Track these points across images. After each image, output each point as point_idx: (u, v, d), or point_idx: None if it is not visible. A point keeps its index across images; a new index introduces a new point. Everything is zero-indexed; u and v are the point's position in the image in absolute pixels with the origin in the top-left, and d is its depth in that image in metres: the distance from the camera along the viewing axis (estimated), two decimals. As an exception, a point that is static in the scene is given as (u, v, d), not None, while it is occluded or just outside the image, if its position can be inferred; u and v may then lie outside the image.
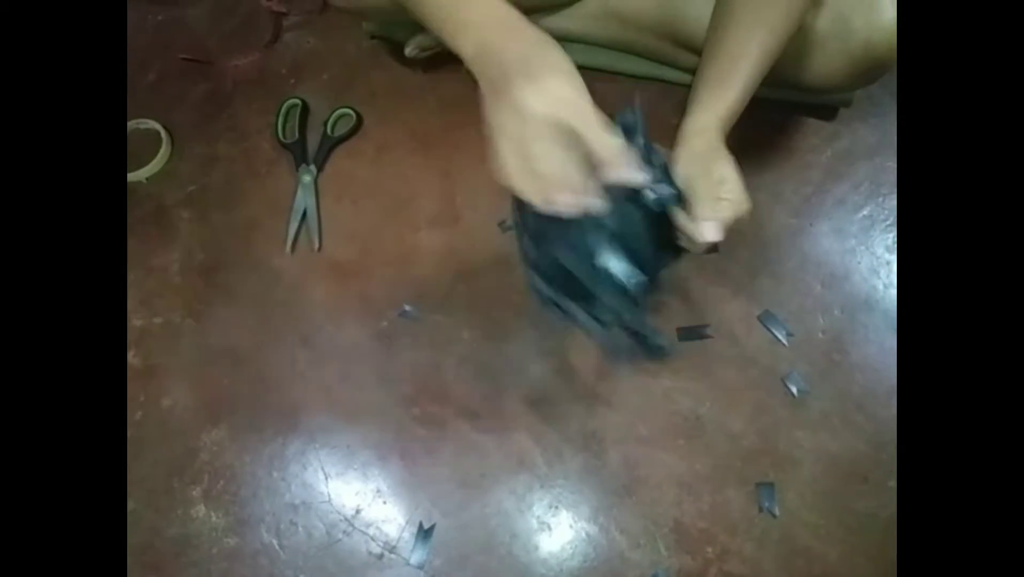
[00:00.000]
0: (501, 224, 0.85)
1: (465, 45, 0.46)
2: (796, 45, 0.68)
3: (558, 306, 0.58)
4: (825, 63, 0.68)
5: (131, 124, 0.95)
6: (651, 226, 0.54)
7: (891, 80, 0.71)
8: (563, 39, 0.88)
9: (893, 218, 0.82)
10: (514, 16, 0.46)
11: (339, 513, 0.74)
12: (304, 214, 0.88)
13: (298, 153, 0.91)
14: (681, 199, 0.55)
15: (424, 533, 0.72)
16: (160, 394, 0.80)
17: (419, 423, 0.76)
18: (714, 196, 0.54)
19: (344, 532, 0.73)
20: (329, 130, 0.93)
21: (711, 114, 0.58)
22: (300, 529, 0.73)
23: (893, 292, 0.78)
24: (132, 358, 0.82)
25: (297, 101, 0.94)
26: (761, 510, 0.70)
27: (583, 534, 0.71)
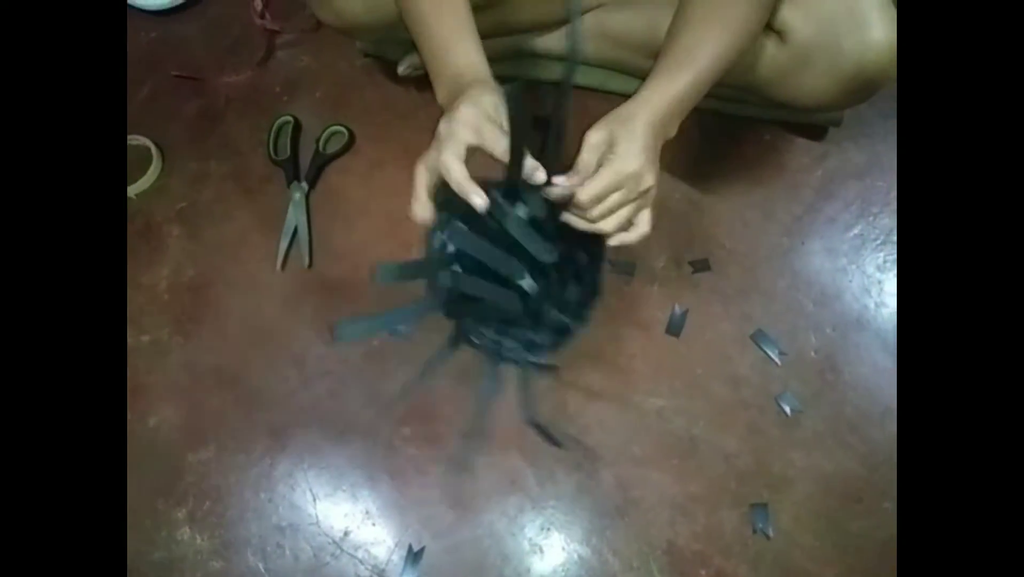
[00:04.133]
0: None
1: (438, 89, 0.59)
2: (786, 64, 0.68)
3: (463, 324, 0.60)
4: (815, 82, 0.68)
5: (122, 140, 0.95)
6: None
7: (880, 100, 0.72)
8: (556, 58, 0.90)
9: (884, 237, 0.83)
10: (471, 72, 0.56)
11: (327, 535, 0.72)
12: (295, 231, 0.87)
13: (290, 170, 0.91)
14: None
15: (414, 556, 0.70)
16: (147, 413, 0.79)
17: (409, 443, 0.76)
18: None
19: (332, 555, 0.72)
20: (321, 147, 0.92)
21: (643, 104, 0.56)
22: (287, 552, 0.72)
23: (885, 311, 0.78)
24: (118, 377, 0.81)
25: (289, 118, 0.94)
26: (755, 531, 0.70)
27: (575, 556, 0.70)
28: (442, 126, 0.54)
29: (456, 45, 0.58)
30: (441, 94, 0.59)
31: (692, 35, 0.59)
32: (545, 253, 0.54)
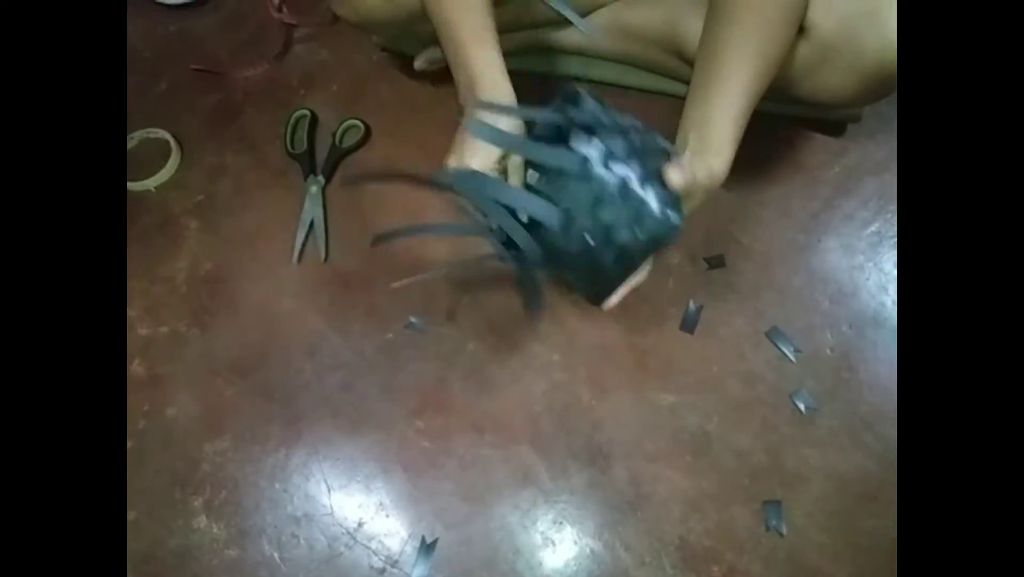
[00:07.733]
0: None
1: (457, 84, 0.62)
2: (808, 60, 0.68)
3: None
4: (836, 79, 0.68)
5: (141, 133, 0.96)
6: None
7: (900, 97, 0.71)
8: (573, 53, 0.89)
9: (902, 235, 0.82)
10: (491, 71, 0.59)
11: (341, 526, 0.73)
12: (311, 225, 0.88)
13: (306, 164, 0.92)
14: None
15: (427, 548, 0.71)
16: (164, 404, 0.80)
17: (423, 436, 0.76)
18: None
19: (346, 545, 0.72)
20: (337, 141, 0.93)
21: (702, 173, 0.58)
22: (302, 542, 0.73)
23: (902, 309, 0.78)
24: (136, 367, 0.82)
25: (306, 112, 0.95)
26: (768, 529, 0.70)
27: (587, 550, 0.70)
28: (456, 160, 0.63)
29: (474, 49, 0.59)
30: (460, 92, 0.62)
31: (725, 80, 0.61)
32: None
